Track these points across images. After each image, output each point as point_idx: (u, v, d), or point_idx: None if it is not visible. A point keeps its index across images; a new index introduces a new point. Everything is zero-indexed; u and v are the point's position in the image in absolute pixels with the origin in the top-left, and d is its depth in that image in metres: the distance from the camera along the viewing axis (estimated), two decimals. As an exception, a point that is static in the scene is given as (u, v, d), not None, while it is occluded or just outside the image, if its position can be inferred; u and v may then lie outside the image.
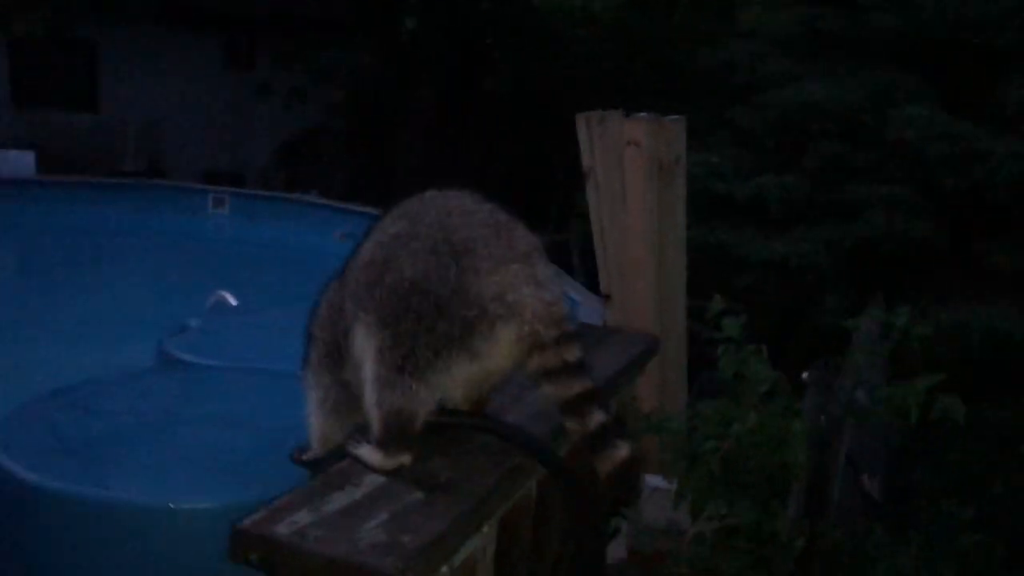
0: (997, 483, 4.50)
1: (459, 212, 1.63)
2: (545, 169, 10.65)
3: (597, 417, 1.55)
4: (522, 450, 1.67)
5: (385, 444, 1.57)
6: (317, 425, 1.80)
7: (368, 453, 1.58)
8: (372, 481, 1.54)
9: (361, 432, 1.65)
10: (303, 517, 1.40)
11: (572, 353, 1.56)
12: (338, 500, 1.46)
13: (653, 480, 3.21)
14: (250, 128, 12.89)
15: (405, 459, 1.58)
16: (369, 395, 1.58)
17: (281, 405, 2.18)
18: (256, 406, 2.16)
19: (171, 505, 1.71)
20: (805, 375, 3.53)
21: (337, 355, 1.72)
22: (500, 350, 1.56)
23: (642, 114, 3.68)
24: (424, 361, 1.55)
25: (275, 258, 9.56)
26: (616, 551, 3.25)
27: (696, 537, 3.22)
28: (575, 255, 8.37)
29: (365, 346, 1.59)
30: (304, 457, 1.89)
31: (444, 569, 1.44)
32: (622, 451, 1.56)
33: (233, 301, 3.55)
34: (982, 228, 5.20)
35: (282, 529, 1.36)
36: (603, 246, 3.58)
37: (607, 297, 3.51)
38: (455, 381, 1.59)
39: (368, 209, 10.10)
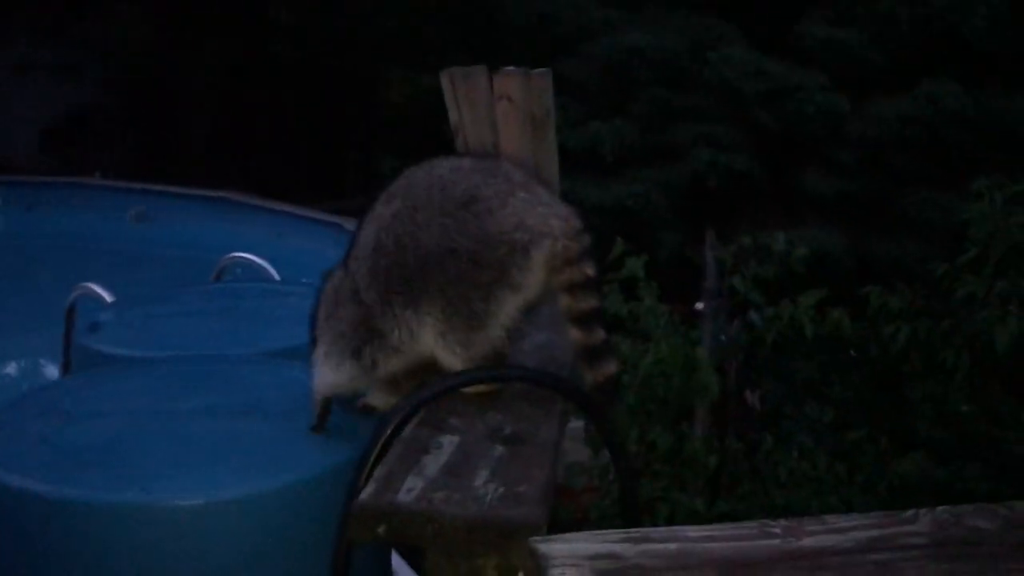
0: (835, 388, 4.98)
1: (446, 170, 1.69)
2: (342, 131, 10.48)
3: (600, 334, 1.68)
4: (567, 396, 1.73)
5: None
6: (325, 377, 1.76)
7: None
8: (449, 441, 1.55)
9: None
10: (414, 483, 1.39)
11: (592, 268, 1.65)
12: (432, 463, 1.46)
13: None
14: (10, 110, 11.79)
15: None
16: (450, 360, 1.65)
17: (256, 388, 2.11)
18: (230, 392, 2.08)
19: (216, 499, 1.65)
20: (698, 305, 3.77)
21: (352, 335, 1.71)
22: (536, 276, 1.63)
23: (510, 68, 3.75)
24: (481, 312, 1.62)
25: (63, 247, 8.81)
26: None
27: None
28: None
29: (420, 323, 1.65)
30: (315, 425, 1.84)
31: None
32: (611, 367, 1.70)
33: (107, 296, 3.30)
34: (795, 159, 5.66)
35: (404, 497, 1.36)
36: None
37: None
38: (506, 318, 1.66)
39: (160, 187, 9.55)
